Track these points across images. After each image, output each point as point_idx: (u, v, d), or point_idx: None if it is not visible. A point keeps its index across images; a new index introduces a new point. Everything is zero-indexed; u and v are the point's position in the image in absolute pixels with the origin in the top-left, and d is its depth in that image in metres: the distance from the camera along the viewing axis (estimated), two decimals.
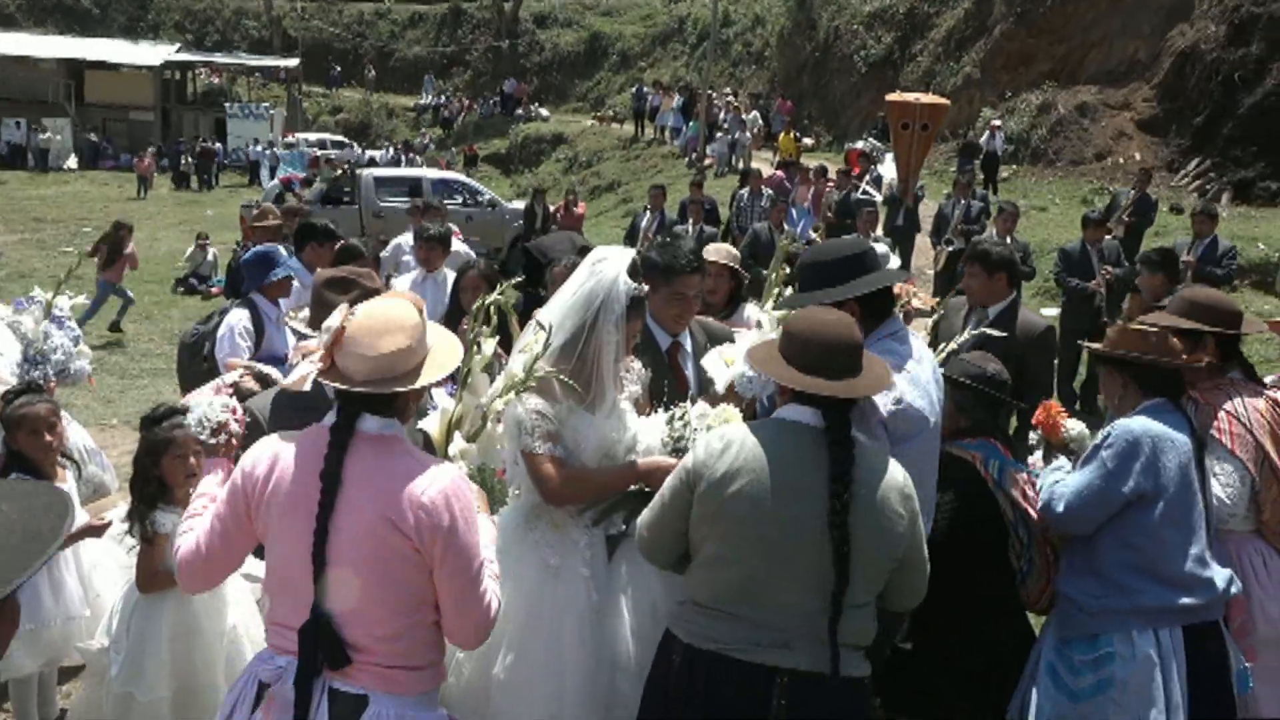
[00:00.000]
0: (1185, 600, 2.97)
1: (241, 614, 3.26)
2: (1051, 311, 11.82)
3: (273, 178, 30.95)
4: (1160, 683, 2.93)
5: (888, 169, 16.36)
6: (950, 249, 11.34)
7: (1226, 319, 3.38)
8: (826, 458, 2.40)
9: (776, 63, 32.95)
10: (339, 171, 21.42)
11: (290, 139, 34.25)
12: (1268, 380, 4.05)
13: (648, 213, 13.05)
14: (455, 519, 2.20)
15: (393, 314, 2.28)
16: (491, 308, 3.17)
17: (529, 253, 8.46)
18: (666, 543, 2.61)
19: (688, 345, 3.57)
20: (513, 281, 3.44)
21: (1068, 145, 20.95)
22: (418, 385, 2.27)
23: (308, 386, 2.33)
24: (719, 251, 4.67)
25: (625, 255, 3.10)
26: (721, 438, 2.52)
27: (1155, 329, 3.12)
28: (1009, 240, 9.34)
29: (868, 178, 16.96)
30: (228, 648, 3.18)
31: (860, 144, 21.00)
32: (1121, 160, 19.76)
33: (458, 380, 3.02)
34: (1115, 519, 3.02)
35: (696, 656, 2.46)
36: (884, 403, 2.72)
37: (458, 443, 2.90)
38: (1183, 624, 2.98)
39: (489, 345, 3.02)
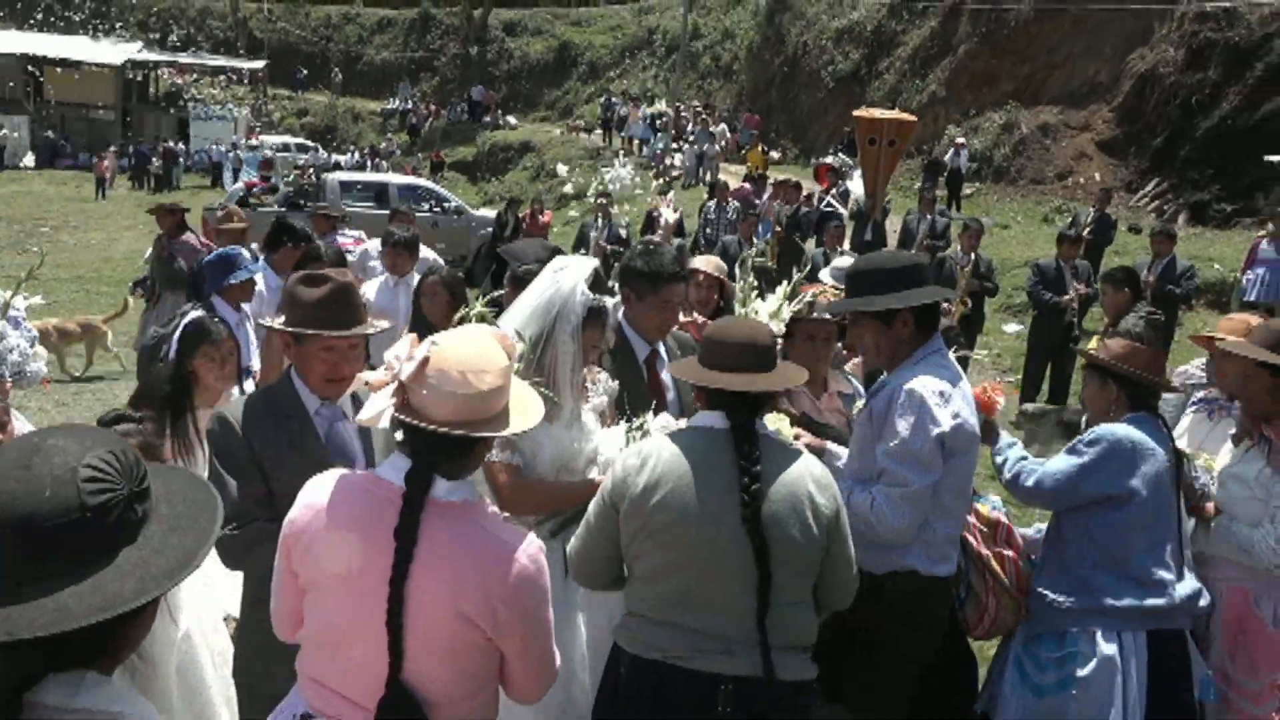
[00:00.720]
0: (1149, 602, 3.04)
1: (198, 621, 3.18)
2: (1014, 328, 11.99)
3: (236, 180, 30.64)
4: (1119, 684, 3.00)
5: (855, 184, 16.45)
6: None
7: None
8: (734, 458, 2.43)
9: (745, 76, 33.16)
10: (300, 174, 21.26)
11: (255, 141, 33.88)
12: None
13: (597, 221, 13.04)
14: (536, 604, 2.02)
15: (486, 349, 2.04)
16: (473, 319, 3.16)
17: (500, 259, 8.46)
18: (599, 567, 2.62)
19: (664, 355, 3.56)
20: (491, 295, 3.44)
21: (1030, 164, 21.26)
22: (506, 432, 2.04)
23: (384, 424, 2.04)
24: (708, 262, 4.71)
25: (586, 265, 3.12)
26: (638, 453, 2.53)
27: (1149, 351, 3.26)
28: (973, 256, 9.46)
29: (834, 191, 17.05)
30: (180, 657, 3.09)
31: (829, 159, 21.10)
32: (1082, 180, 20.09)
33: None
34: (1085, 516, 3.11)
35: (642, 666, 2.47)
36: (945, 418, 2.82)
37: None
38: (1147, 628, 3.05)
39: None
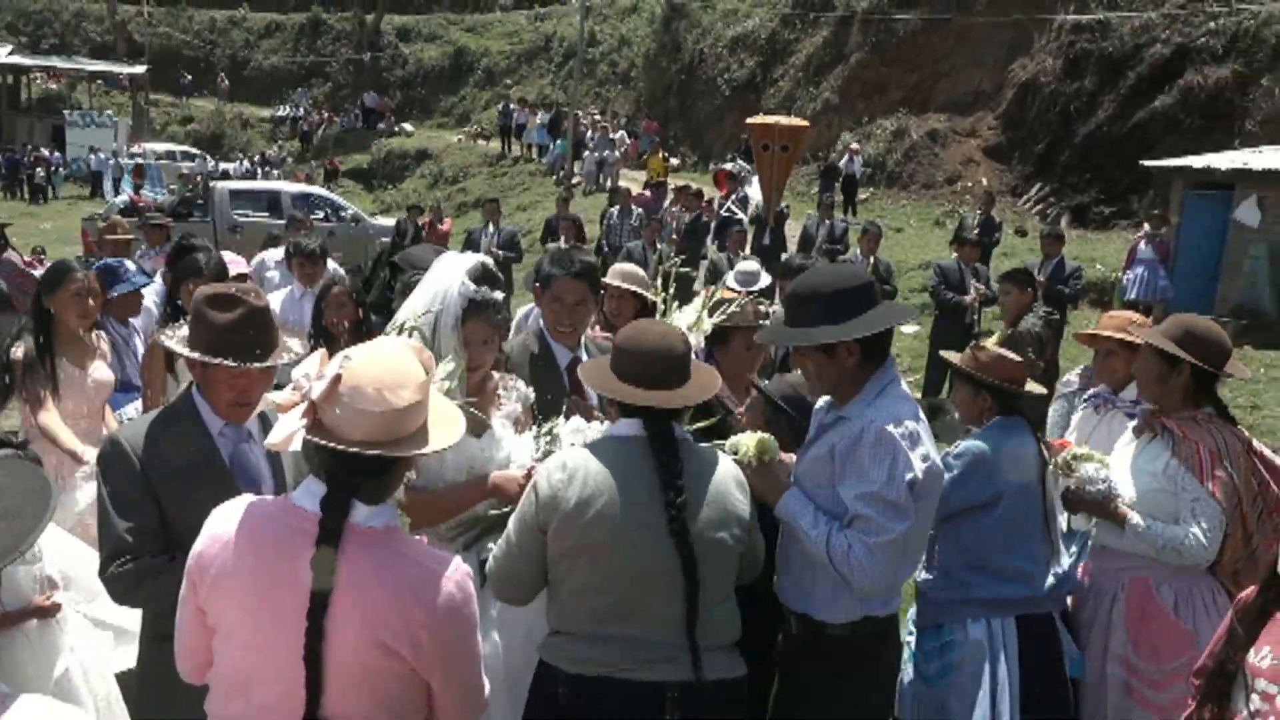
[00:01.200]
0: (1016, 594, 3.22)
1: (79, 659, 2.99)
2: (911, 328, 12.29)
3: (117, 189, 29.39)
4: (989, 666, 3.18)
5: (754, 190, 16.64)
6: None
7: (1213, 355, 3.24)
8: (655, 466, 2.44)
9: (642, 83, 33.34)
10: (186, 182, 20.52)
11: (137, 149, 32.57)
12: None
13: (487, 227, 12.85)
14: (464, 633, 1.93)
15: (400, 364, 1.92)
16: (410, 331, 3.08)
17: (396, 267, 8.30)
18: (525, 583, 2.57)
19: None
20: (425, 313, 3.35)
21: (920, 170, 21.89)
22: (426, 450, 1.93)
23: (295, 446, 1.91)
24: (619, 274, 4.51)
25: (468, 259, 3.13)
26: (562, 468, 2.46)
27: (1016, 360, 3.38)
28: (872, 259, 9.67)
29: (733, 197, 17.24)
30: (58, 695, 2.90)
31: (728, 165, 21.30)
32: (970, 184, 20.78)
33: None
34: (955, 523, 3.25)
35: (584, 683, 2.42)
36: (917, 462, 2.59)
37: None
38: (1014, 614, 3.22)
39: None
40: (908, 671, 3.33)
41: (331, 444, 1.84)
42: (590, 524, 2.40)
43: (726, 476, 2.56)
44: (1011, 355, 3.41)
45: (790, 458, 2.88)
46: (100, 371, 4.34)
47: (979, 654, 3.21)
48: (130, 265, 5.46)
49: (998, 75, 22.02)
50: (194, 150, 35.19)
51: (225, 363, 2.48)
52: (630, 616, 2.43)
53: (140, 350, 4.82)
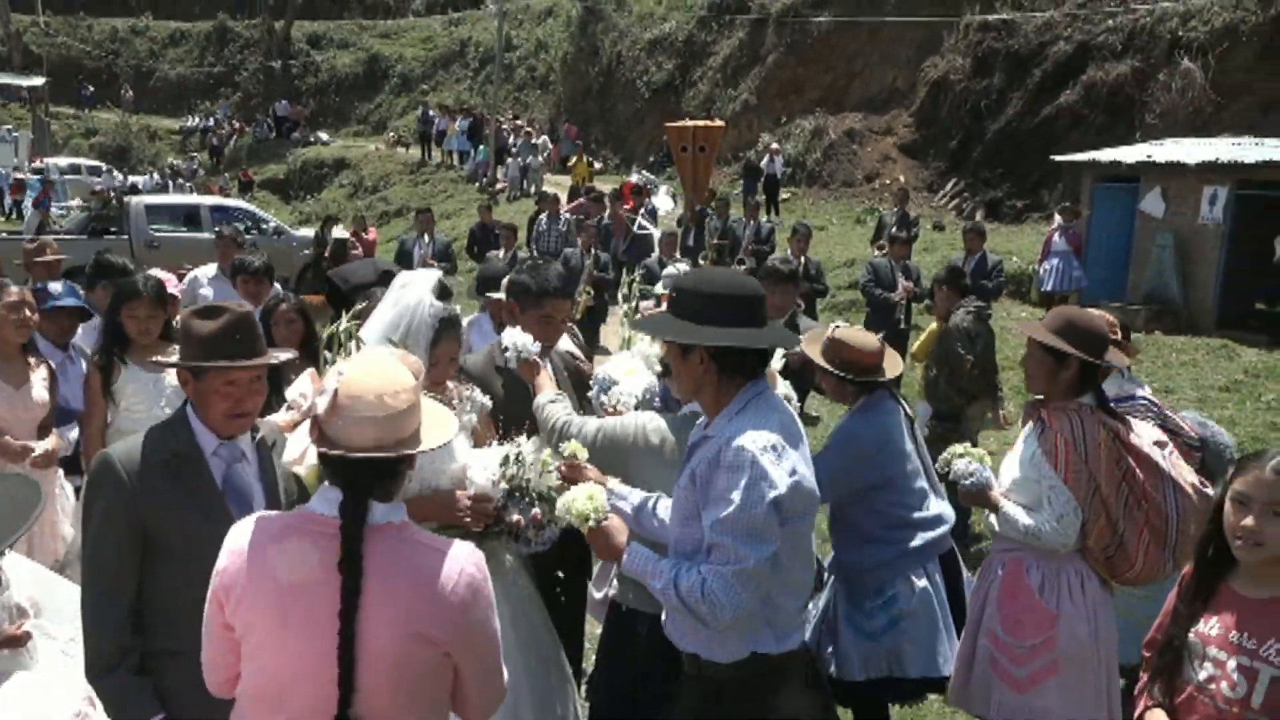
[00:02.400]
0: (932, 535, 3.63)
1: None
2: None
3: (18, 207, 28.31)
4: (938, 607, 3.59)
5: (662, 200, 16.56)
6: (743, 268, 11.83)
7: (1093, 344, 3.35)
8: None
9: (561, 87, 33.34)
10: (99, 198, 19.87)
11: (39, 164, 31.41)
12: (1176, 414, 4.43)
13: (423, 238, 12.58)
14: (484, 610, 2.05)
15: (391, 372, 2.07)
16: (342, 335, 3.08)
17: (331, 281, 8.20)
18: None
19: (551, 372, 3.56)
20: (357, 309, 3.35)
21: (840, 168, 22.35)
22: (422, 448, 2.06)
23: (305, 466, 2.06)
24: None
25: (429, 277, 3.14)
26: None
27: (857, 347, 3.64)
28: (803, 259, 9.86)
29: (642, 211, 16.91)
30: None
31: (634, 177, 21.17)
32: (888, 181, 21.28)
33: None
34: (863, 500, 3.63)
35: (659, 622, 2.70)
36: (781, 478, 2.37)
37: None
38: (937, 555, 3.65)
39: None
40: (845, 633, 3.61)
41: (343, 453, 1.96)
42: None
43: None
44: (852, 342, 3.65)
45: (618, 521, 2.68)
46: (37, 391, 4.28)
47: (927, 599, 3.56)
48: (58, 287, 5.32)
49: (910, 74, 22.59)
50: (100, 164, 34.09)
51: (217, 364, 2.50)
52: None
53: (84, 370, 4.70)
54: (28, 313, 4.25)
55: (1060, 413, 3.34)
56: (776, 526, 2.36)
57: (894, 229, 12.61)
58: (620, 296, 4.02)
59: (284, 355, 2.70)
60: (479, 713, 2.15)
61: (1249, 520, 2.40)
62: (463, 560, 2.03)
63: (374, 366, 2.08)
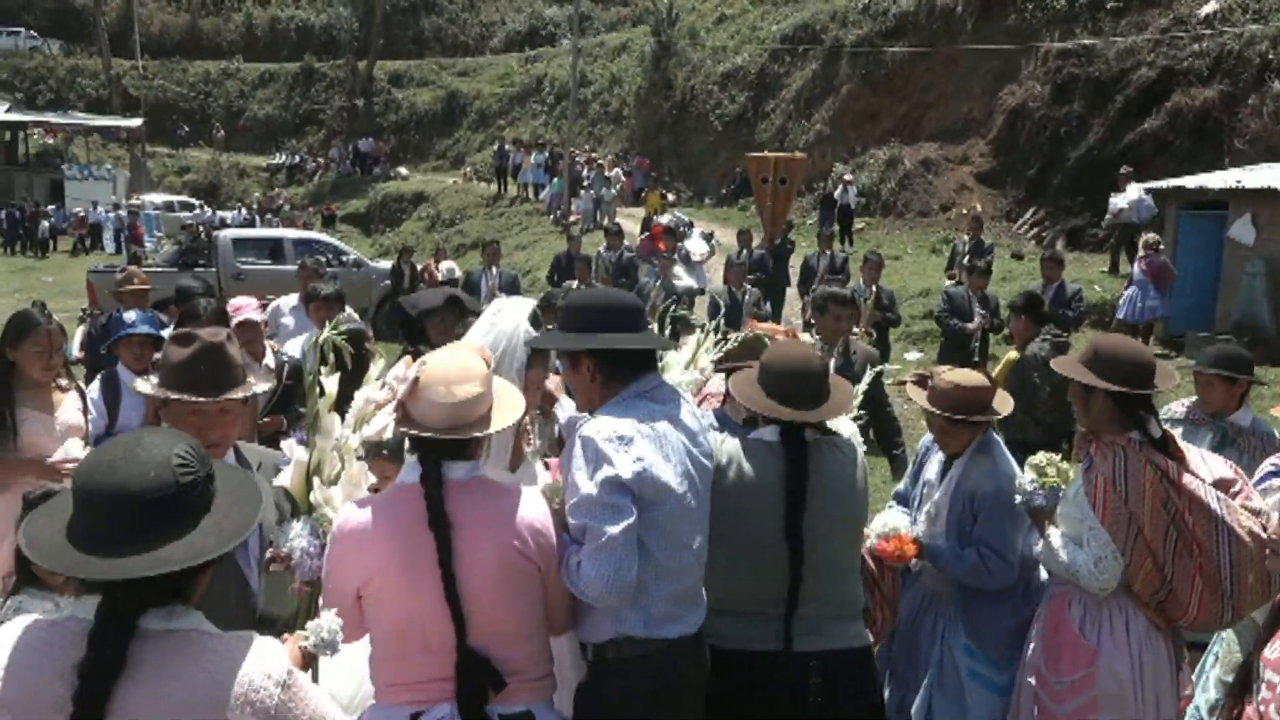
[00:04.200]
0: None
1: None
2: (915, 355, 12.38)
3: (117, 241, 29.57)
4: None
5: (695, 244, 15.99)
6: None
7: (1127, 374, 3.17)
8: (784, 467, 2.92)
9: (635, 121, 33.70)
10: (188, 232, 20.65)
11: (135, 200, 32.80)
12: (1173, 408, 4.35)
13: (485, 269, 12.60)
14: (557, 531, 2.49)
15: (465, 362, 2.41)
16: (325, 346, 3.12)
17: (402, 308, 8.40)
18: None
19: None
20: (347, 328, 3.44)
21: (915, 198, 22.09)
22: (490, 430, 2.41)
23: (388, 435, 2.50)
24: None
25: (525, 305, 3.15)
26: (723, 454, 2.96)
27: (963, 385, 3.52)
28: (874, 288, 9.76)
29: (677, 255, 15.92)
30: None
31: (665, 218, 19.27)
32: (964, 211, 20.93)
33: (306, 427, 2.99)
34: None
35: (734, 658, 2.85)
36: (625, 464, 2.49)
37: (318, 489, 2.83)
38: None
39: (331, 384, 2.97)
40: (975, 691, 3.49)
41: (418, 432, 2.34)
42: (727, 511, 2.83)
43: (848, 464, 3.02)
44: (966, 382, 3.51)
45: None
46: (68, 414, 4.30)
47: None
48: (131, 315, 5.50)
49: (987, 102, 22.29)
50: (192, 200, 35.44)
51: (174, 396, 2.63)
52: (744, 593, 2.88)
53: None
54: (52, 358, 4.22)
55: (1106, 449, 3.18)
56: (628, 502, 2.45)
57: (967, 258, 12.44)
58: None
59: (260, 387, 2.80)
60: (561, 622, 2.58)
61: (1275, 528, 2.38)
62: (533, 496, 2.50)
63: (451, 358, 2.44)
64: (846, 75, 25.60)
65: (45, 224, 31.19)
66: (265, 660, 1.81)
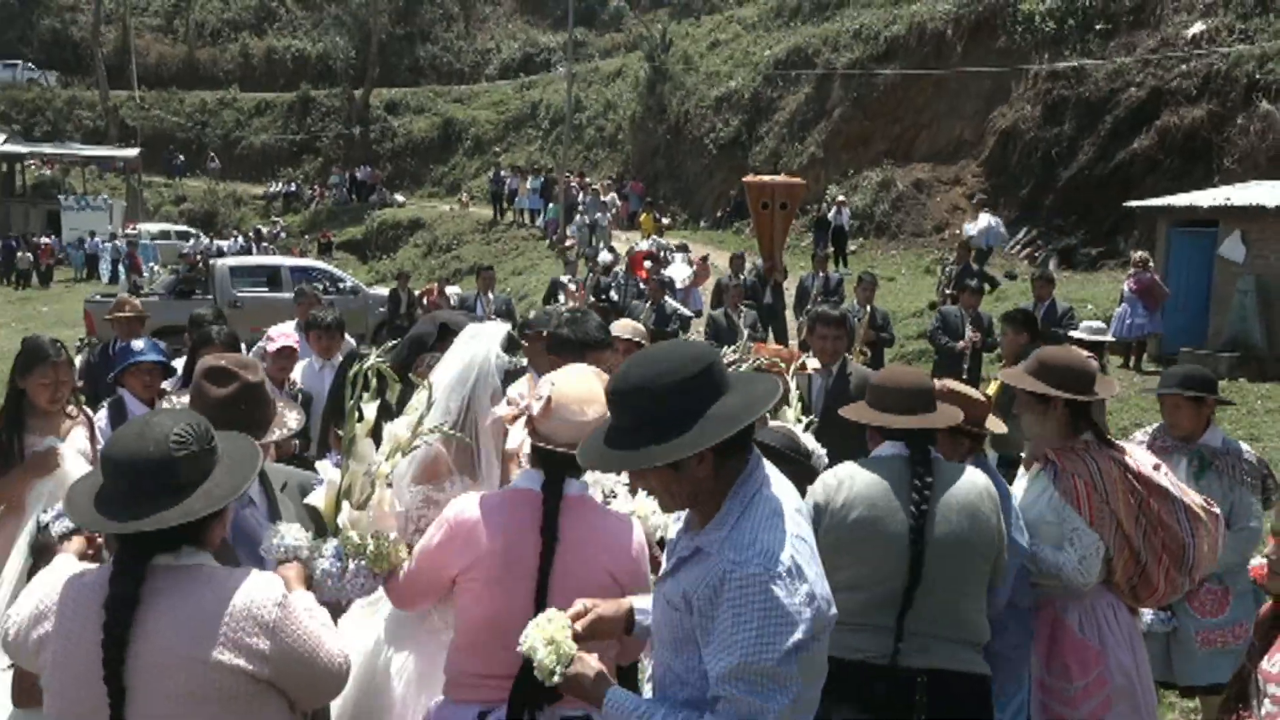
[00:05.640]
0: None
1: None
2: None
3: (114, 271, 29.65)
4: None
5: (677, 269, 15.90)
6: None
7: (1074, 382, 3.30)
8: (910, 479, 2.99)
9: (630, 146, 33.90)
10: (185, 260, 20.76)
11: (132, 230, 32.92)
12: (1137, 436, 4.38)
13: (480, 295, 12.40)
14: (649, 563, 2.62)
15: (592, 384, 2.55)
16: (369, 372, 3.15)
17: (397, 331, 8.44)
18: None
19: None
20: (387, 345, 3.45)
21: (908, 219, 22.24)
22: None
23: (526, 450, 2.64)
24: (625, 328, 4.74)
25: (499, 330, 3.18)
26: (835, 474, 3.07)
27: (965, 395, 3.51)
28: (868, 309, 9.82)
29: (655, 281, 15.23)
30: None
31: (645, 244, 19.22)
32: (958, 232, 21.07)
33: (342, 450, 3.00)
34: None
35: (843, 668, 2.68)
36: (801, 609, 1.94)
37: (346, 512, 2.83)
38: None
39: (370, 410, 2.99)
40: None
41: (550, 447, 2.49)
42: (852, 525, 2.92)
43: (979, 491, 3.03)
44: (969, 394, 3.51)
45: (592, 659, 2.12)
46: (77, 442, 4.24)
47: None
48: (140, 343, 5.53)
49: (978, 124, 22.49)
50: (189, 229, 35.56)
51: None
52: (877, 609, 2.89)
53: None
54: (59, 390, 4.18)
55: (1070, 454, 3.30)
56: (795, 670, 1.91)
57: (951, 282, 12.62)
58: None
59: (290, 426, 2.89)
60: (632, 656, 2.68)
61: (1270, 549, 2.44)
62: (635, 526, 2.63)
63: (579, 380, 2.60)
64: (839, 98, 25.82)
65: (28, 255, 31.13)
66: (264, 584, 2.14)
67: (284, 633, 2.10)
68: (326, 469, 3.02)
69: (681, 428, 1.93)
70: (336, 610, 2.74)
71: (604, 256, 17.16)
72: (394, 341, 3.64)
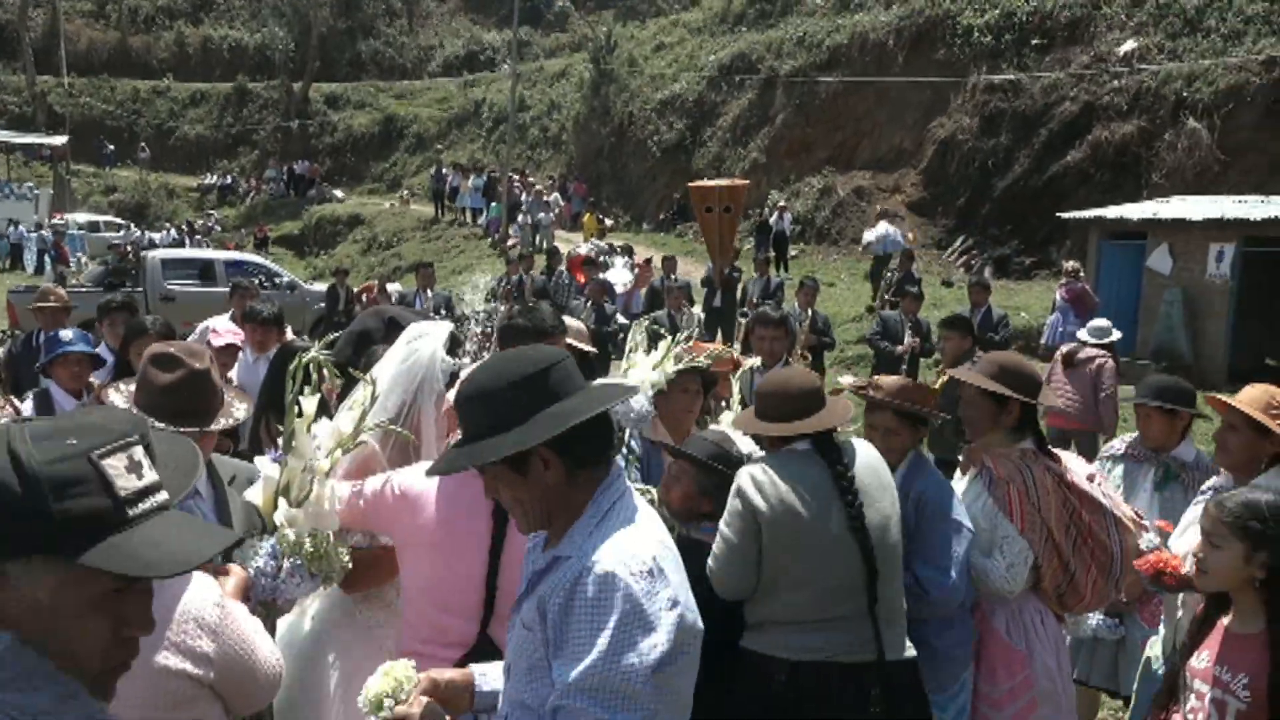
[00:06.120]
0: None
1: None
2: (849, 379, 12.56)
3: (40, 262, 28.72)
4: None
5: (617, 274, 15.85)
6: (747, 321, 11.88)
7: (1029, 386, 3.37)
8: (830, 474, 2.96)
9: (573, 146, 33.83)
10: (117, 252, 20.20)
11: (59, 220, 31.91)
12: (1115, 444, 4.41)
13: (426, 292, 12.56)
14: None
15: None
16: (310, 366, 3.07)
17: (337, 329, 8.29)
18: (747, 578, 2.94)
19: None
20: (329, 339, 3.36)
21: (849, 225, 22.52)
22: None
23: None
24: (572, 331, 4.68)
25: (441, 330, 3.12)
26: (763, 471, 2.97)
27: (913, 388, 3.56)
28: (809, 313, 9.90)
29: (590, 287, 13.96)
30: None
31: (584, 248, 19.05)
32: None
33: (282, 446, 2.93)
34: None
35: (804, 670, 2.83)
36: (661, 618, 1.74)
37: (283, 509, 2.77)
38: None
39: (310, 405, 2.92)
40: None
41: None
42: (790, 522, 2.88)
43: (876, 461, 3.07)
44: (910, 381, 3.56)
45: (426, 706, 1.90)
46: None
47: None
48: (68, 334, 5.37)
49: (917, 134, 22.87)
50: (118, 220, 34.61)
51: (159, 426, 2.48)
52: (830, 604, 2.87)
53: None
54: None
55: (1005, 460, 3.34)
56: (653, 690, 1.69)
57: (891, 292, 12.88)
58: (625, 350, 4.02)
59: (241, 413, 2.80)
60: None
61: (1197, 549, 2.53)
62: None
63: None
64: (782, 104, 26.06)
65: None
66: (203, 585, 2.05)
67: (225, 634, 2.02)
68: (265, 464, 2.94)
69: (513, 425, 1.83)
70: (273, 611, 2.67)
71: (618, 275, 16.32)
72: (335, 335, 3.54)
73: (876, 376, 3.62)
